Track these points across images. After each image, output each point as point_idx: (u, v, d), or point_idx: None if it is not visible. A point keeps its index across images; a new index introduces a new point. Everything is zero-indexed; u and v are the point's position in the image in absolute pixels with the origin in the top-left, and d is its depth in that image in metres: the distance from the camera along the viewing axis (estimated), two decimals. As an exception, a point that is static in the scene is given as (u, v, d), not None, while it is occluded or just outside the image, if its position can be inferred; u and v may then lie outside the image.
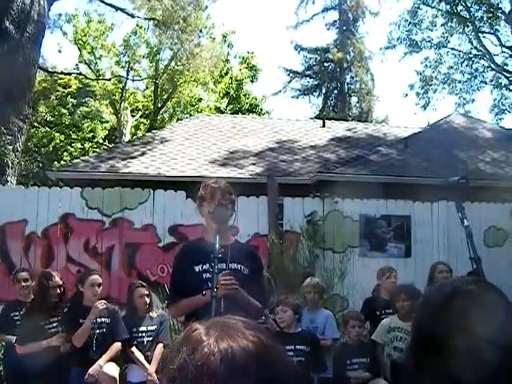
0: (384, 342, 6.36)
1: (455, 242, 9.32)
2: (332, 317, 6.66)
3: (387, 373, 6.17)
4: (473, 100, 27.21)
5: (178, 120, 28.82)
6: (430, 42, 25.77)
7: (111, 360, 6.15)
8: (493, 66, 24.50)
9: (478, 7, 23.60)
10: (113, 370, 6.06)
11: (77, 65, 30.72)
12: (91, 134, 30.70)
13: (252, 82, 35.05)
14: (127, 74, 29.30)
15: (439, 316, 1.40)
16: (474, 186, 4.59)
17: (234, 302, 3.54)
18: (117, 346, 6.23)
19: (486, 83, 26.60)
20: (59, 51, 36.61)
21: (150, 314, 6.58)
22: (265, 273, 6.92)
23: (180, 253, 4.34)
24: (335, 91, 36.39)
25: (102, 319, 6.21)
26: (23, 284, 6.84)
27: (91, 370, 5.93)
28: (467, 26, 24.05)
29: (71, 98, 29.15)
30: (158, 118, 31.05)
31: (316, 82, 36.51)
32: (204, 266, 3.99)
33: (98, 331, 6.14)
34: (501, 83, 26.27)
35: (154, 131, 19.02)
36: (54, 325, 6.37)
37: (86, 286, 6.25)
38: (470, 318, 1.29)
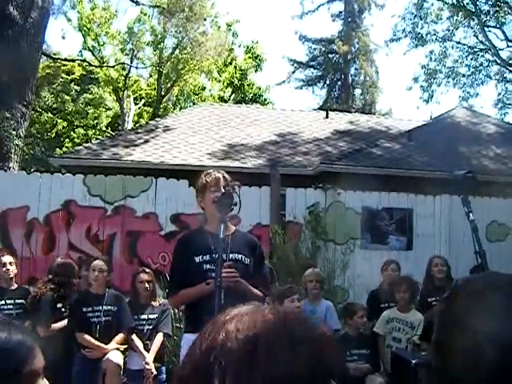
0: (384, 333, 6.44)
1: (457, 235, 9.33)
2: (333, 308, 6.67)
3: (387, 364, 6.20)
4: (477, 94, 27.14)
5: (181, 108, 28.80)
6: (435, 35, 25.65)
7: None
8: (498, 61, 24.40)
9: (484, 1, 23.48)
10: (117, 357, 6.11)
11: (80, 51, 30.67)
12: (95, 121, 30.66)
13: (256, 71, 34.97)
14: (131, 62, 29.21)
15: (441, 314, 1.40)
16: (477, 180, 4.58)
17: (234, 293, 3.55)
18: (122, 336, 6.28)
19: (490, 77, 26.52)
20: (63, 37, 36.72)
21: (153, 302, 6.60)
22: (267, 263, 6.94)
23: (179, 243, 4.32)
24: (339, 83, 36.31)
25: (109, 307, 6.25)
26: (9, 267, 6.66)
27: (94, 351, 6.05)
28: (473, 20, 23.93)
29: (75, 84, 29.12)
30: (161, 106, 31.00)
31: (320, 73, 36.41)
32: (204, 257, 3.99)
33: (104, 318, 6.19)
34: (505, 78, 26.21)
35: (157, 119, 19.00)
36: (63, 309, 6.44)
37: (90, 271, 6.31)
38: (469, 316, 1.28)
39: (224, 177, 4.14)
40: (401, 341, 6.40)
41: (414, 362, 4.61)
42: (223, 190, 3.99)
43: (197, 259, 3.99)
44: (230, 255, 3.94)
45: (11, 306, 6.54)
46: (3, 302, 6.56)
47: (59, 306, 6.41)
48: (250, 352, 0.99)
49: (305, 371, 1.00)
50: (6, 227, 8.74)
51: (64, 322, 6.31)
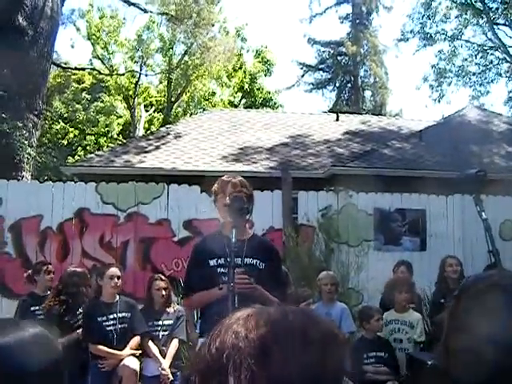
0: (383, 335, 6.45)
1: (470, 235, 9.29)
2: (348, 310, 6.67)
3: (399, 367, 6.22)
4: (487, 92, 27.01)
5: (191, 114, 28.85)
6: (444, 34, 25.59)
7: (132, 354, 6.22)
8: (507, 58, 24.31)
9: (492, -2, 23.43)
10: (133, 363, 6.12)
11: (90, 60, 30.78)
12: (106, 128, 30.77)
13: (266, 75, 35.01)
14: (140, 69, 29.34)
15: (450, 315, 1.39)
16: (488, 179, 4.55)
17: (248, 298, 3.54)
18: (136, 340, 6.29)
19: (500, 75, 26.43)
20: (72, 46, 36.94)
21: (168, 308, 6.61)
22: (283, 267, 6.94)
23: (196, 246, 4.35)
24: (349, 85, 36.30)
25: (124, 314, 6.27)
26: (52, 276, 6.97)
27: (110, 361, 6.05)
28: (482, 18, 23.87)
29: (85, 93, 29.24)
30: (172, 112, 31.07)
31: (329, 76, 36.44)
32: (219, 261, 3.99)
33: (119, 326, 6.20)
34: (516, 75, 26.10)
35: (167, 126, 19.06)
36: (71, 322, 6.45)
37: (105, 279, 6.31)
38: (475, 317, 1.28)
39: (233, 182, 4.14)
40: (402, 341, 6.47)
41: (430, 363, 4.59)
42: (231, 196, 3.99)
43: (211, 262, 4.00)
44: (245, 259, 3.94)
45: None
46: (37, 307, 6.67)
47: (67, 318, 6.43)
48: (263, 348, 1.01)
49: (318, 366, 1.02)
50: (20, 236, 8.77)
51: (73, 335, 6.31)
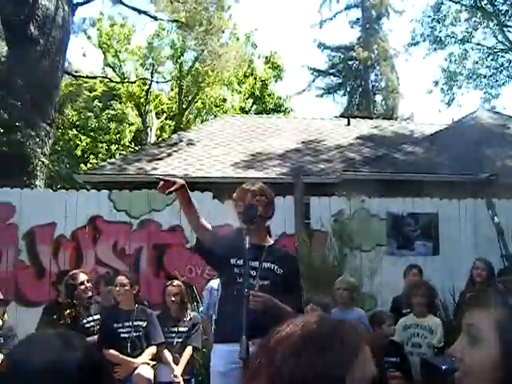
0: (402, 340, 6.38)
1: (483, 239, 9.24)
2: (365, 316, 6.58)
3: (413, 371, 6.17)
4: (498, 95, 26.89)
5: (202, 121, 28.91)
6: (454, 37, 25.52)
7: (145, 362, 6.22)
8: (518, 61, 24.25)
9: (502, 1, 23.34)
10: (148, 371, 6.10)
11: (103, 68, 30.91)
12: (118, 135, 30.87)
13: (276, 81, 35.04)
14: (151, 77, 29.42)
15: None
16: (501, 182, 4.54)
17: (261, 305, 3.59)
18: (152, 349, 6.28)
19: (511, 78, 26.31)
20: (84, 55, 37.17)
21: (184, 315, 6.60)
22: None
23: (233, 231, 4.45)
24: (360, 89, 36.21)
25: (139, 322, 6.27)
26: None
27: (123, 368, 6.05)
28: (491, 21, 23.78)
29: (97, 101, 29.37)
30: (183, 119, 31.14)
31: (340, 81, 36.40)
32: (238, 261, 4.04)
33: (134, 334, 6.20)
34: (527, 77, 25.98)
35: (179, 133, 19.09)
36: (92, 324, 6.49)
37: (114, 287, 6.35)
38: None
39: (252, 190, 4.19)
40: (421, 346, 6.34)
41: (444, 367, 4.58)
42: (246, 203, 4.05)
43: (232, 261, 4.07)
44: (263, 264, 4.02)
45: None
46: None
47: (77, 323, 6.47)
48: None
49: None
50: (34, 244, 8.82)
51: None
